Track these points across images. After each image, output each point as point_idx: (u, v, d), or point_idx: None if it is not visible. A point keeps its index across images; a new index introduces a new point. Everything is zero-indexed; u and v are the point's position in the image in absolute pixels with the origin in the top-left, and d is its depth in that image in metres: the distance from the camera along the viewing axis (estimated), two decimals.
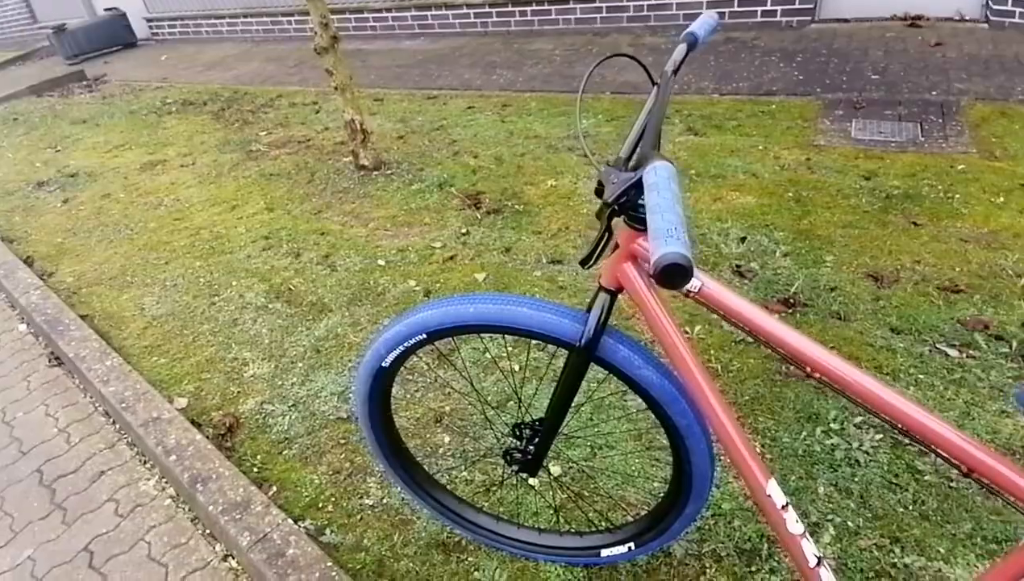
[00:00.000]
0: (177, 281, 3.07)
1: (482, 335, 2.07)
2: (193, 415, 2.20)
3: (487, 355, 2.31)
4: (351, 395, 2.16)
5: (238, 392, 2.30)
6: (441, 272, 2.84)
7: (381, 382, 1.36)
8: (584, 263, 1.04)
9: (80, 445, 2.17)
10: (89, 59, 9.10)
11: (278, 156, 4.48)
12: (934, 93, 4.07)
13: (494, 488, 1.81)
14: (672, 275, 0.68)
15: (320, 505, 1.82)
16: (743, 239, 2.81)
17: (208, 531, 1.80)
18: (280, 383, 2.31)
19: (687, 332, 2.33)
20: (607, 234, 1.00)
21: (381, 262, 2.96)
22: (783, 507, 1.02)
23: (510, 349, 2.33)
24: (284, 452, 2.02)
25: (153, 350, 2.58)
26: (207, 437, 2.06)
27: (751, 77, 4.78)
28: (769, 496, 1.02)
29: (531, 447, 1.38)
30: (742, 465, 1.04)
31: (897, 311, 2.29)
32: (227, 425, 2.13)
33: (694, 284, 0.97)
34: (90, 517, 1.89)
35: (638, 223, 1.00)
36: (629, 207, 0.97)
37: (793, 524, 1.02)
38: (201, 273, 3.11)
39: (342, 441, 2.04)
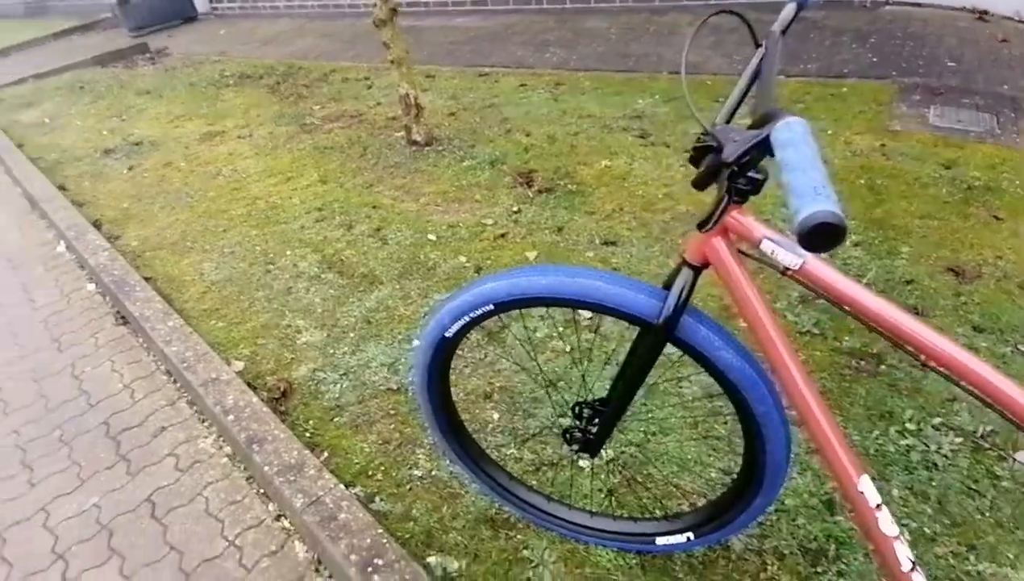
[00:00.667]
0: (234, 248, 3.13)
1: (547, 310, 2.04)
2: (249, 378, 2.24)
3: (538, 334, 2.28)
4: (410, 364, 2.16)
5: (291, 358, 2.33)
6: (492, 249, 2.81)
7: (442, 353, 1.35)
8: (701, 227, 1.01)
9: (143, 401, 2.24)
10: (151, 32, 9.35)
11: (331, 130, 4.51)
12: (1005, 87, 3.81)
13: (544, 467, 1.78)
14: (821, 236, 0.63)
15: (370, 473, 1.83)
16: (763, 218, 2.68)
17: (262, 491, 1.84)
18: (332, 352, 2.33)
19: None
20: (728, 198, 0.94)
21: (432, 237, 2.95)
22: (877, 506, 0.96)
23: (560, 329, 2.29)
24: (335, 419, 2.04)
25: (211, 314, 2.64)
26: (262, 400, 2.10)
27: (821, 58, 4.56)
28: (861, 493, 0.96)
29: (592, 427, 1.35)
30: (832, 457, 0.98)
31: (979, 308, 2.15)
32: (281, 390, 2.16)
33: (794, 261, 0.91)
34: (152, 470, 1.95)
35: (736, 193, 0.94)
36: (734, 174, 0.91)
37: (888, 524, 0.96)
38: (257, 241, 3.16)
39: (391, 412, 2.04)
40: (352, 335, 2.40)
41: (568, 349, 2.20)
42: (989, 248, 2.43)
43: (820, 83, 4.17)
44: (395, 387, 2.13)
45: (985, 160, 3.02)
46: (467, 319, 1.26)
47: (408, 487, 1.78)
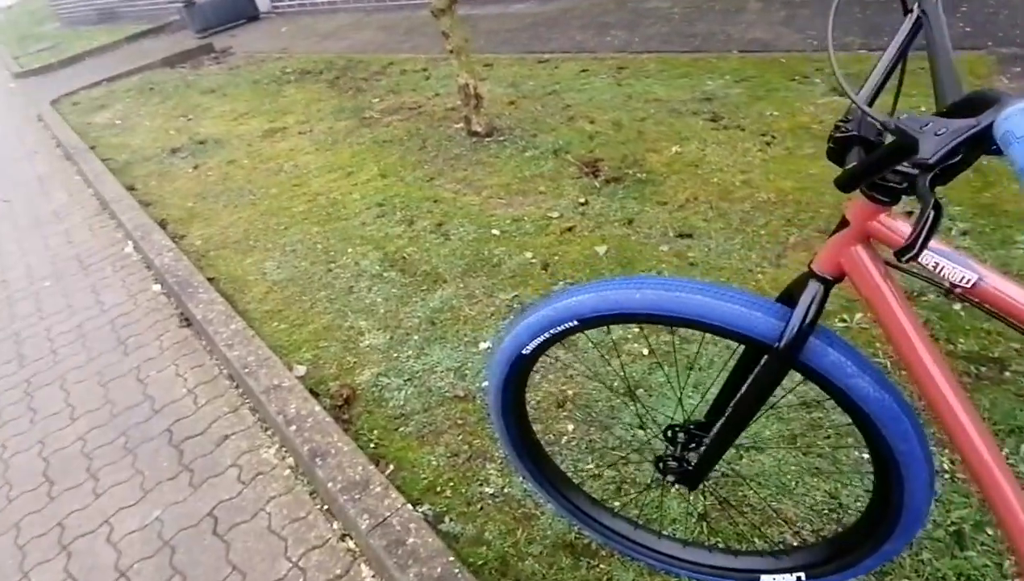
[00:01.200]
0: (296, 246, 3.10)
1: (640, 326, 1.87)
2: (311, 384, 2.18)
3: (612, 334, 2.12)
4: (484, 382, 2.04)
5: (354, 362, 2.26)
6: (559, 244, 2.66)
7: (519, 370, 1.22)
8: (903, 255, 0.68)
9: (206, 407, 2.22)
10: (216, 32, 9.58)
11: (390, 123, 4.45)
12: None
13: (626, 485, 1.64)
14: None
15: (438, 489, 1.73)
16: (909, 213, 2.41)
17: (326, 507, 1.77)
18: (395, 355, 2.25)
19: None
20: (935, 209, 0.66)
21: (495, 232, 2.83)
22: None
23: (636, 329, 2.12)
24: (400, 429, 1.95)
25: (273, 315, 2.61)
26: (325, 408, 2.03)
27: None
28: None
29: (688, 454, 1.19)
30: (1001, 506, 0.80)
31: None
32: (344, 397, 2.09)
33: (966, 277, 0.73)
34: (215, 481, 1.91)
35: (882, 194, 0.77)
36: (873, 174, 0.75)
37: None
38: (318, 239, 3.12)
39: (459, 421, 1.94)
40: (416, 337, 2.31)
41: (646, 351, 2.04)
42: None
43: (909, 56, 3.79)
44: (462, 394, 2.03)
45: None
46: (547, 336, 1.12)
47: (479, 506, 1.67)
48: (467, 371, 2.12)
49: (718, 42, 4.64)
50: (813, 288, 0.89)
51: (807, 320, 0.89)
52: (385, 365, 2.22)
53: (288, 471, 1.92)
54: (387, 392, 2.10)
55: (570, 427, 1.84)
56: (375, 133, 4.32)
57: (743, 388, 1.03)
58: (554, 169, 3.28)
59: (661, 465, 1.22)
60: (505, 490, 1.69)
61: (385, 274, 2.72)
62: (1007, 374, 1.74)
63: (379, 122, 4.51)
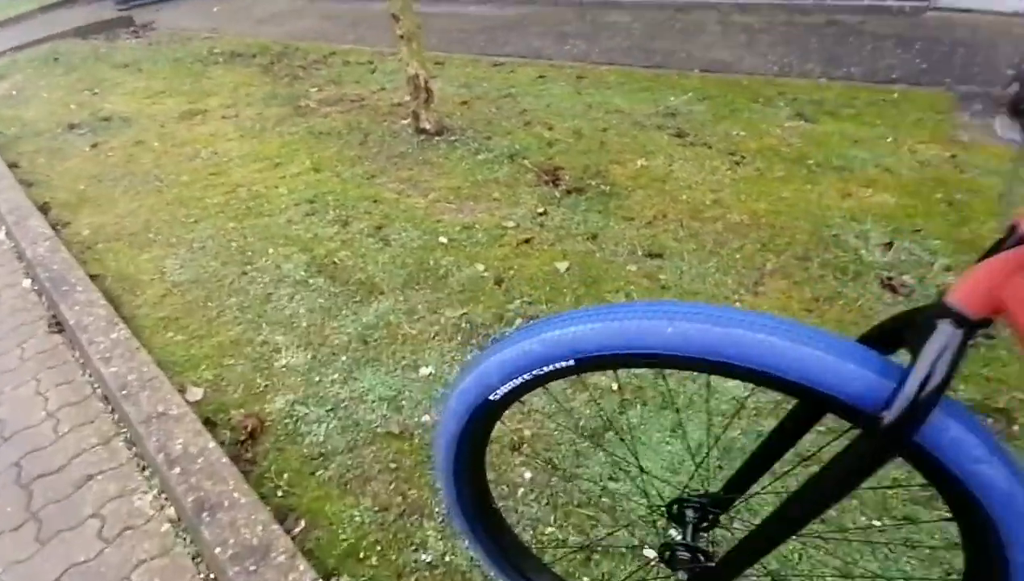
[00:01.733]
0: (206, 243, 2.66)
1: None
2: (208, 412, 1.77)
3: None
4: (431, 425, 1.69)
5: (266, 386, 1.87)
6: (515, 257, 2.36)
7: (482, 420, 0.90)
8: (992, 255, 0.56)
9: (69, 436, 1.76)
10: (140, 6, 8.81)
11: (329, 113, 4.04)
12: None
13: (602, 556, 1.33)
14: None
15: (361, 555, 1.37)
16: (889, 245, 2.26)
17: (213, 576, 1.37)
18: (318, 379, 1.87)
19: None
20: None
21: (443, 239, 2.50)
22: None
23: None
24: (318, 473, 1.58)
25: (169, 323, 2.17)
26: (223, 443, 1.63)
27: (864, 63, 4.17)
28: None
29: (702, 541, 0.90)
30: None
31: None
32: (249, 429, 1.69)
33: None
34: (68, 536, 1.47)
35: None
36: None
37: None
38: (234, 236, 2.69)
39: (392, 464, 1.58)
40: (344, 358, 1.94)
41: (615, 387, 1.75)
42: None
43: (867, 88, 3.77)
44: (397, 430, 1.68)
45: None
46: (526, 378, 0.81)
47: (414, 578, 1.32)
48: (404, 401, 1.77)
49: (679, 60, 4.52)
50: (947, 334, 0.61)
51: (934, 381, 0.61)
52: (304, 391, 1.83)
53: (167, 525, 1.51)
54: (304, 425, 1.72)
55: (527, 475, 1.52)
56: (311, 123, 3.90)
57: (818, 474, 0.73)
58: (510, 175, 2.98)
59: (667, 554, 0.92)
60: (446, 557, 1.36)
61: (311, 281, 2.33)
62: (1015, 427, 1.57)
63: (316, 112, 4.10)
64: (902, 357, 0.68)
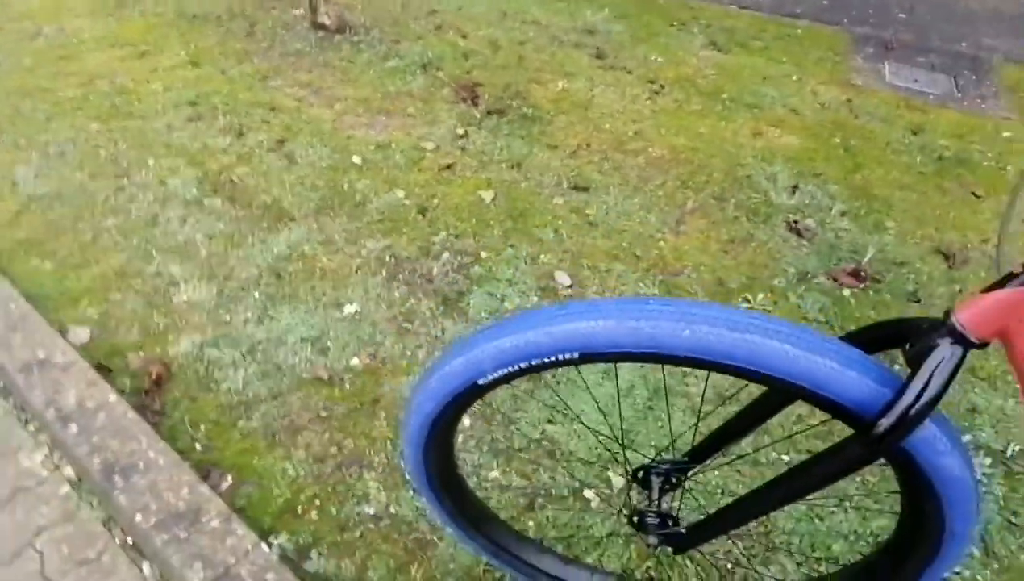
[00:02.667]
0: (65, 148, 2.25)
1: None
2: (100, 356, 1.56)
3: (506, 304, 1.80)
4: (406, 411, 1.60)
5: (166, 325, 1.67)
6: (437, 183, 2.23)
7: (462, 402, 0.85)
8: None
9: None
10: None
11: None
12: (964, 45, 3.74)
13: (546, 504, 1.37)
14: None
15: (300, 511, 1.31)
16: (795, 188, 2.40)
17: (131, 539, 1.25)
18: (228, 318, 1.70)
19: None
20: None
21: (356, 160, 2.29)
22: None
23: (535, 298, 1.82)
24: (240, 423, 1.46)
25: (31, 248, 1.85)
26: (122, 393, 1.46)
27: None
28: None
29: (669, 505, 0.94)
30: None
31: None
32: (153, 375, 1.52)
33: None
34: None
35: None
36: None
37: None
38: (101, 141, 2.29)
39: (323, 413, 1.50)
40: (256, 294, 1.77)
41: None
42: (972, 230, 2.30)
43: (774, 21, 3.85)
44: (325, 375, 1.58)
45: (951, 128, 2.89)
46: (523, 366, 0.77)
47: (358, 532, 1.29)
48: (329, 343, 1.66)
49: None
50: (946, 351, 0.64)
51: (928, 395, 0.64)
52: (213, 331, 1.66)
53: (66, 488, 1.34)
54: (218, 370, 1.57)
55: (466, 422, 1.51)
56: (180, 3, 3.33)
57: (804, 464, 0.77)
58: (424, 88, 2.76)
59: (639, 520, 0.95)
60: (391, 509, 1.33)
61: (206, 202, 2.06)
62: (896, 367, 1.78)
63: None
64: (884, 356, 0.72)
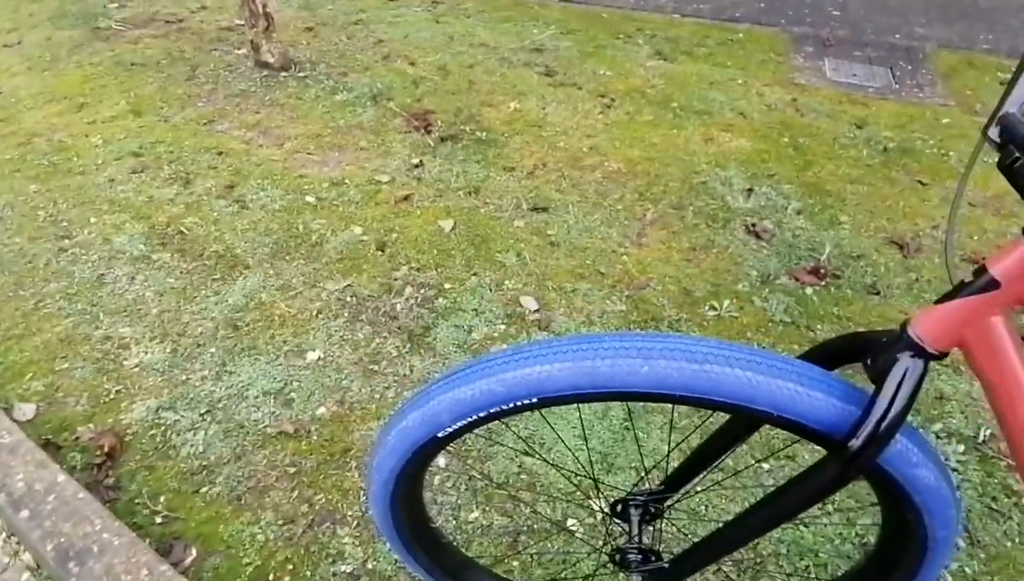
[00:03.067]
0: (3, 213, 2.16)
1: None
2: (48, 432, 1.48)
3: (474, 335, 1.77)
4: (368, 468, 1.55)
5: (117, 392, 1.59)
6: (395, 216, 2.19)
7: (425, 455, 0.81)
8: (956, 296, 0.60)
9: None
10: None
11: (139, 38, 3.39)
12: (897, 36, 3.87)
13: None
14: None
15: (272, 578, 1.25)
16: (749, 191, 2.42)
17: None
18: (184, 377, 1.63)
19: None
20: None
21: (310, 199, 2.25)
22: None
23: (504, 329, 1.79)
24: (203, 490, 1.39)
25: None
26: (74, 470, 1.38)
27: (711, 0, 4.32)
28: None
29: (650, 539, 0.91)
30: None
31: (932, 286, 2.04)
32: (105, 448, 1.44)
33: None
34: None
35: None
36: None
37: None
38: (40, 202, 2.21)
39: (290, 469, 1.44)
40: (212, 349, 1.70)
41: None
42: (922, 217, 2.35)
43: (716, 26, 3.93)
44: (291, 428, 1.52)
45: (893, 119, 2.97)
46: (482, 415, 0.74)
47: None
48: (293, 394, 1.61)
49: None
50: (907, 365, 0.63)
51: (896, 409, 0.63)
52: (169, 393, 1.59)
53: (27, 575, 1.26)
54: (176, 434, 1.50)
55: (440, 461, 1.47)
56: (117, 51, 3.25)
57: (783, 489, 0.75)
58: (375, 119, 2.73)
59: (618, 557, 0.92)
60: (368, 564, 1.28)
61: (155, 256, 1.99)
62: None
63: (122, 36, 3.42)
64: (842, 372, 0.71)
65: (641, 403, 0.67)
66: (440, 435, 0.77)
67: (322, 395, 1.60)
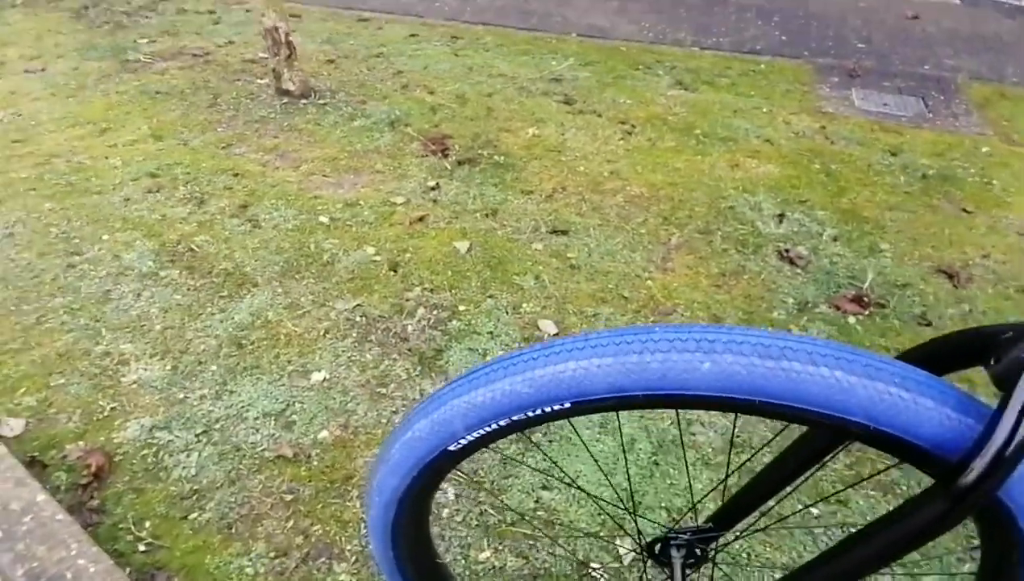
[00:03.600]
0: (14, 229, 2.13)
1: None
2: (35, 449, 1.39)
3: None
4: (368, 489, 1.44)
5: (112, 409, 1.50)
6: (409, 237, 2.12)
7: (433, 474, 0.70)
8: None
9: None
10: None
11: (166, 69, 3.44)
12: (926, 67, 3.80)
13: None
14: None
15: None
16: (781, 217, 2.32)
17: None
18: (182, 396, 1.54)
19: None
20: None
21: (324, 219, 2.19)
22: None
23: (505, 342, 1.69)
24: (193, 516, 1.28)
25: None
26: (57, 490, 1.28)
27: (731, 33, 4.31)
28: None
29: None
30: None
31: (988, 318, 1.89)
32: (93, 468, 1.34)
33: None
34: None
35: None
36: None
37: None
38: (53, 220, 2.17)
39: (287, 496, 1.33)
40: (214, 367, 1.61)
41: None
42: (970, 245, 2.22)
43: (737, 58, 3.90)
44: (290, 453, 1.41)
45: (929, 147, 2.87)
46: (503, 423, 0.62)
47: None
48: (295, 416, 1.50)
49: (556, 23, 4.39)
50: None
51: None
52: (165, 412, 1.50)
53: None
54: (168, 455, 1.40)
55: (451, 494, 1.34)
56: (144, 81, 3.29)
57: (878, 528, 0.61)
58: (393, 143, 2.70)
59: None
60: None
61: (163, 273, 1.93)
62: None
63: (149, 68, 3.47)
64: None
65: (699, 410, 0.53)
66: (452, 448, 0.65)
67: (325, 418, 1.49)
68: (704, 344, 0.55)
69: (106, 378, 1.58)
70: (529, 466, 1.38)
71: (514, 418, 0.61)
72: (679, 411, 0.59)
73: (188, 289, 1.87)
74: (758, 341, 0.54)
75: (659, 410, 1.51)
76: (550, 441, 1.46)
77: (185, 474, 1.36)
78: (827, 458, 0.71)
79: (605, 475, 1.30)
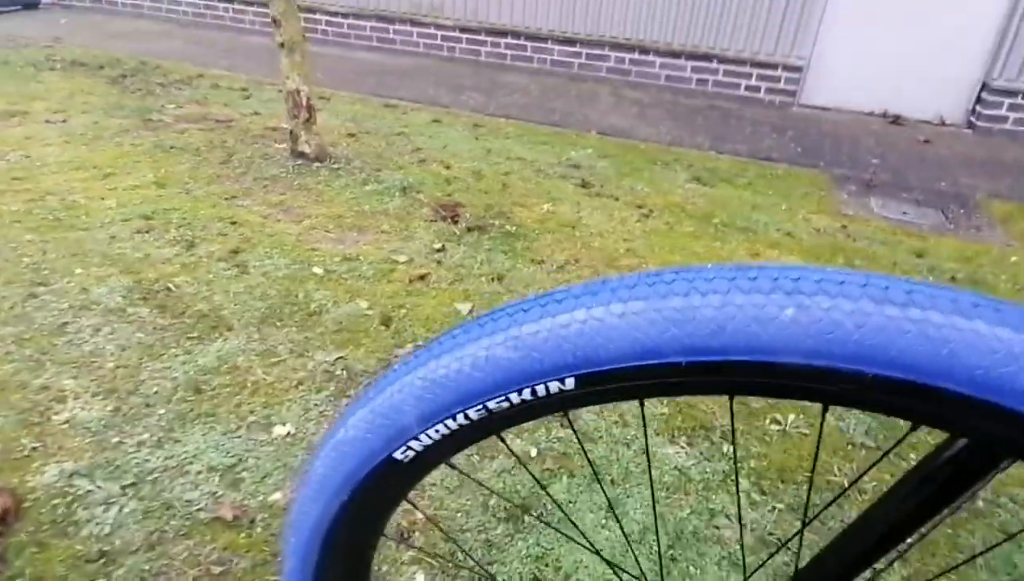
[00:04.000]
0: None
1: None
2: None
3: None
4: (285, 524, 1.21)
5: (33, 449, 1.27)
6: (407, 294, 1.95)
7: (374, 496, 0.48)
8: None
9: None
10: None
11: (186, 130, 3.46)
12: (943, 184, 3.77)
13: None
14: None
15: None
16: None
17: None
18: (117, 440, 1.31)
19: None
20: None
21: (317, 270, 2.04)
22: None
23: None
24: None
25: None
26: None
27: (747, 142, 4.37)
28: None
29: None
30: None
31: None
32: None
33: None
34: None
35: None
36: None
37: None
38: (27, 251, 2.04)
39: (215, 568, 1.07)
40: (162, 411, 1.40)
41: (534, 452, 1.37)
42: None
43: (754, 163, 3.91)
44: (230, 515, 1.16)
45: (955, 253, 2.74)
46: (474, 416, 0.41)
47: None
48: (245, 473, 1.26)
49: (577, 120, 4.48)
50: None
51: None
52: (92, 457, 1.27)
53: None
54: (83, 508, 1.16)
55: (421, 578, 1.08)
56: (160, 137, 3.30)
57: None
58: (402, 207, 2.61)
59: None
60: None
61: (130, 310, 1.76)
62: (981, 503, 1.39)
63: (170, 127, 3.50)
64: None
65: (769, 396, 0.33)
66: (399, 455, 0.44)
67: (281, 477, 1.25)
68: (784, 284, 0.35)
69: (35, 414, 1.36)
70: (525, 538, 1.12)
71: (489, 403, 0.40)
72: (732, 400, 0.35)
73: (154, 328, 1.68)
74: (867, 281, 0.35)
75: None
76: (548, 522, 1.20)
77: (97, 532, 1.11)
78: (963, 498, 0.45)
79: (613, 568, 1.04)
